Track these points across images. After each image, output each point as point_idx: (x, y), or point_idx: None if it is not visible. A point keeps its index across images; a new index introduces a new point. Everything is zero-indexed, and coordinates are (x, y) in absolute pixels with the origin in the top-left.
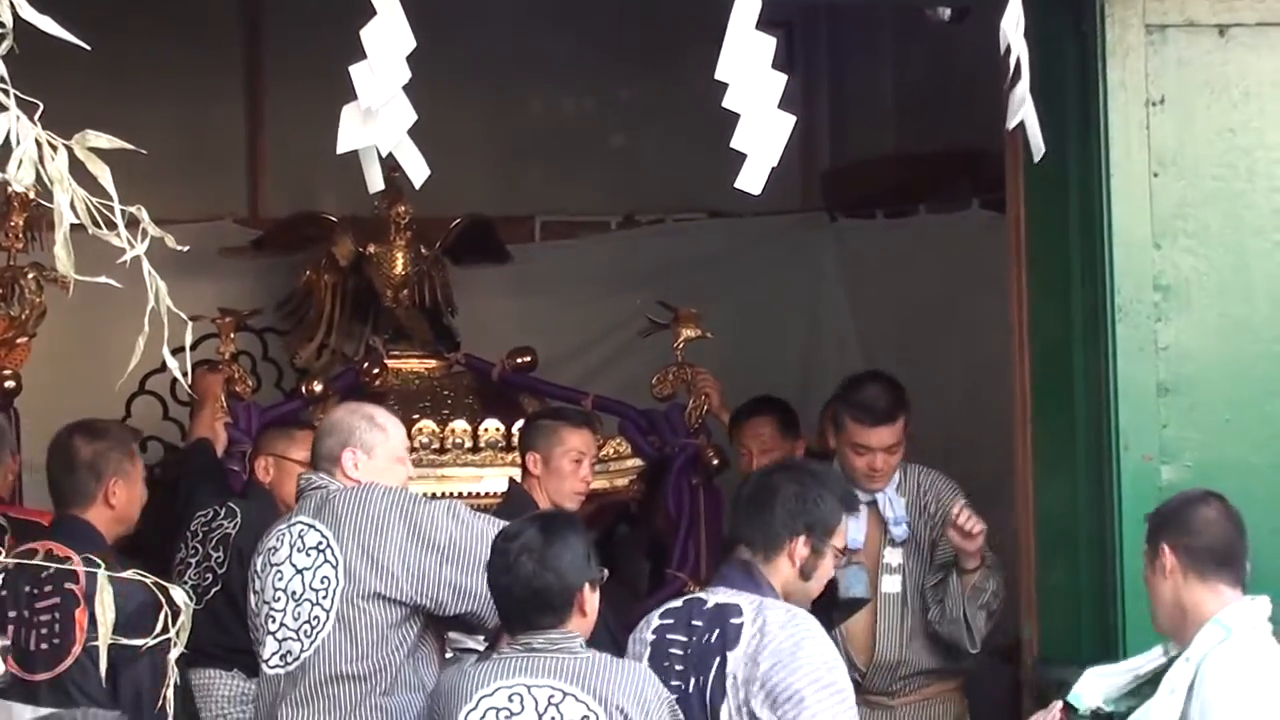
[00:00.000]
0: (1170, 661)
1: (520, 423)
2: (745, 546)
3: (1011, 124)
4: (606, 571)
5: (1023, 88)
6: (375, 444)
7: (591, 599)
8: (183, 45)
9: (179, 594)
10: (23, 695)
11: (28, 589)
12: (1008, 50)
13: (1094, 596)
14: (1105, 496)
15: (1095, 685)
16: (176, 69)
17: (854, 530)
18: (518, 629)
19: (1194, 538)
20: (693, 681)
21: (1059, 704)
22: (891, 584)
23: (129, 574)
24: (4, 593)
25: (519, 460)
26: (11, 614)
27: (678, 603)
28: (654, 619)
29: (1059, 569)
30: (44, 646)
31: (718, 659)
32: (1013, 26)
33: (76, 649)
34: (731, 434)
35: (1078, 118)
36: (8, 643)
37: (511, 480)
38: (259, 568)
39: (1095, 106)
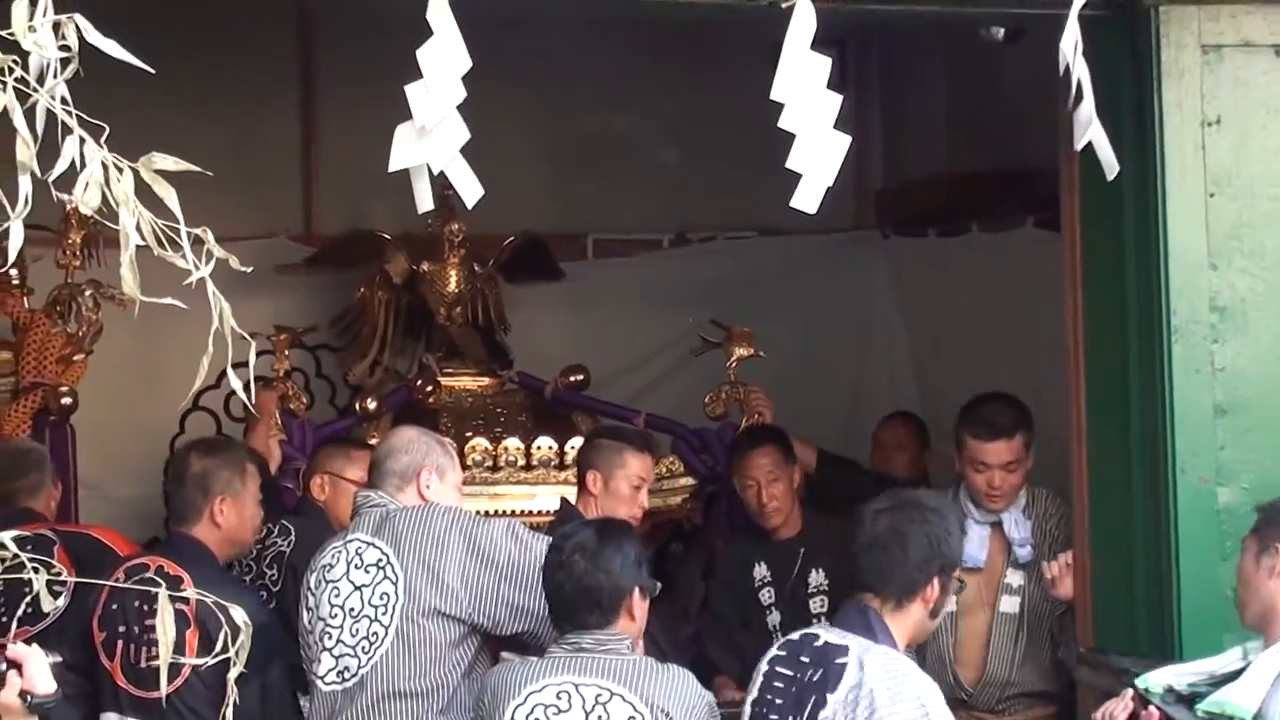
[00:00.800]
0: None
1: (574, 441)
2: (874, 596)
3: (1079, 144)
4: (659, 585)
5: (1088, 108)
6: (447, 469)
7: (641, 605)
8: (238, 65)
9: (238, 614)
10: (138, 711)
11: (137, 604)
12: (1066, 71)
13: (1150, 620)
14: (1161, 519)
15: (1166, 672)
16: (231, 88)
17: (974, 548)
18: (567, 628)
19: None
20: (790, 718)
21: (1129, 691)
22: (1010, 604)
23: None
24: (114, 606)
25: (572, 478)
26: (120, 629)
27: (795, 635)
28: (772, 648)
29: (1115, 591)
30: (154, 665)
31: (814, 699)
32: (1071, 48)
33: (186, 669)
34: (734, 468)
35: (1133, 138)
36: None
37: (564, 499)
38: (313, 584)
39: (1151, 126)
